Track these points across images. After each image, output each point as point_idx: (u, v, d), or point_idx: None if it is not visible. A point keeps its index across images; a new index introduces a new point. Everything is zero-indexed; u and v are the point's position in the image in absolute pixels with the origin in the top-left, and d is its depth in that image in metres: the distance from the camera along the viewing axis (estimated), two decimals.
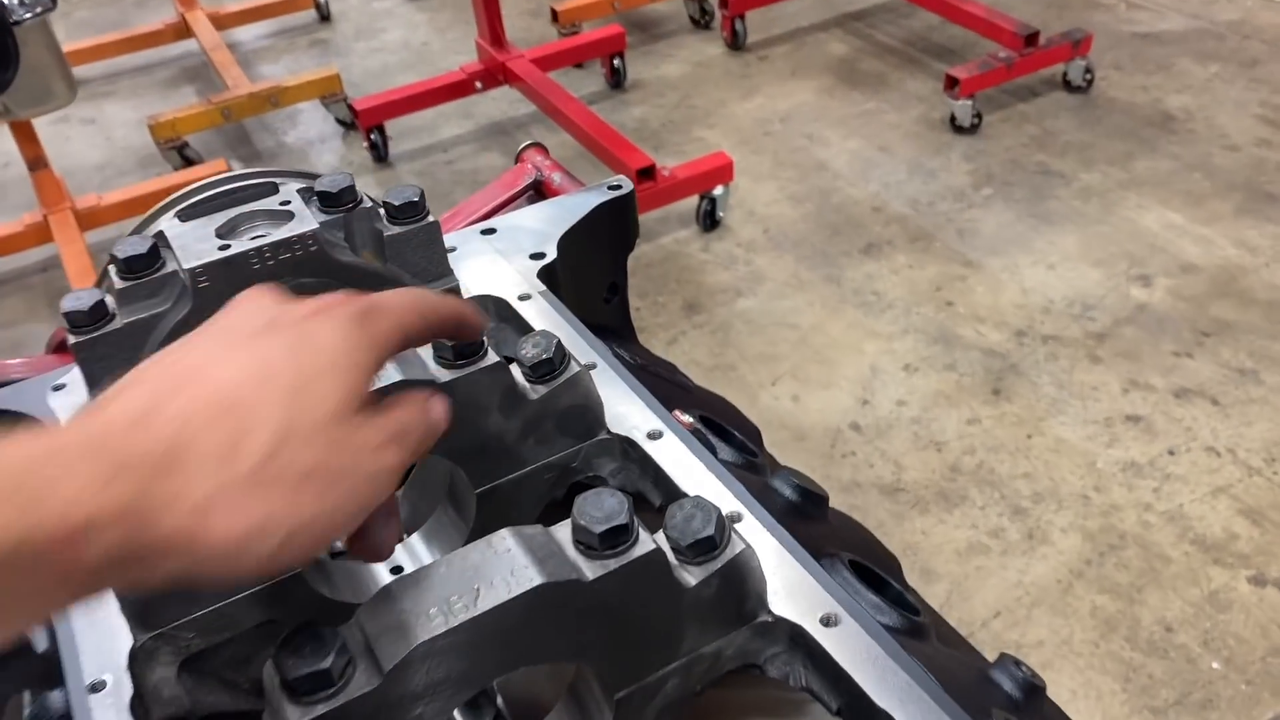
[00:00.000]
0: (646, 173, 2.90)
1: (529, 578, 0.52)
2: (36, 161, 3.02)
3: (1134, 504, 2.21)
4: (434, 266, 0.78)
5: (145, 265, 0.71)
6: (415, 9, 4.53)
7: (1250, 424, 2.36)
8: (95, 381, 0.71)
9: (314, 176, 0.87)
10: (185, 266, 0.70)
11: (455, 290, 0.79)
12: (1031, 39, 3.38)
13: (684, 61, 3.96)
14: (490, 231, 0.86)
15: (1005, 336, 2.64)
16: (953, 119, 3.37)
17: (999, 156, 3.28)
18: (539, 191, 1.36)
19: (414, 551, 0.74)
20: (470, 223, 1.03)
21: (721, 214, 3.07)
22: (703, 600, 0.57)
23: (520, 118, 3.69)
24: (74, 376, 0.78)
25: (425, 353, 0.66)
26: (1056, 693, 1.85)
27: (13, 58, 2.40)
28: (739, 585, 0.59)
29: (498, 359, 0.66)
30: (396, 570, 0.73)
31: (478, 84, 3.53)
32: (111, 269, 0.72)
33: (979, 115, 3.37)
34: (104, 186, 3.34)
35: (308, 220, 0.73)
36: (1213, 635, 1.97)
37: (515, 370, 0.67)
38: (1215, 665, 1.93)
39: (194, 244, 0.71)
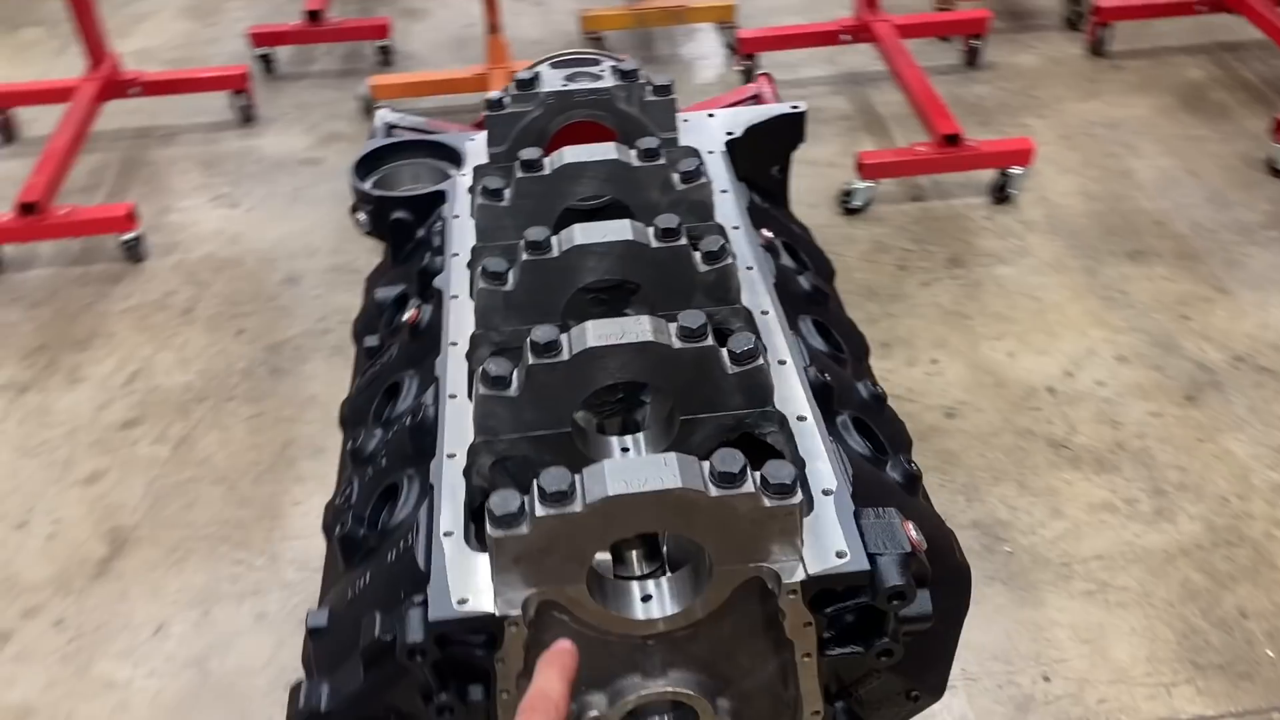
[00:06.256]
0: (951, 139, 3.36)
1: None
2: (493, 27, 3.94)
3: (1269, 518, 2.49)
4: (667, 125, 1.41)
5: (528, 86, 1.40)
6: None
7: None
8: (493, 140, 1.42)
9: (622, 60, 1.52)
10: (547, 90, 1.38)
11: (673, 140, 1.42)
12: None
13: (1041, 55, 4.29)
14: (711, 115, 1.48)
15: (1223, 357, 2.91)
16: (1270, 163, 3.52)
17: None
18: (758, 102, 1.91)
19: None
20: (701, 107, 1.64)
21: (1014, 191, 3.47)
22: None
23: (874, 74, 4.21)
24: (480, 135, 1.49)
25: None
26: (1119, 626, 2.26)
27: None
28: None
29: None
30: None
31: (844, 36, 4.09)
32: (510, 86, 1.42)
33: None
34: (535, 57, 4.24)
35: (608, 80, 1.39)
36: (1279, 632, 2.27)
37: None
38: (1269, 653, 2.24)
39: (550, 80, 1.39)
